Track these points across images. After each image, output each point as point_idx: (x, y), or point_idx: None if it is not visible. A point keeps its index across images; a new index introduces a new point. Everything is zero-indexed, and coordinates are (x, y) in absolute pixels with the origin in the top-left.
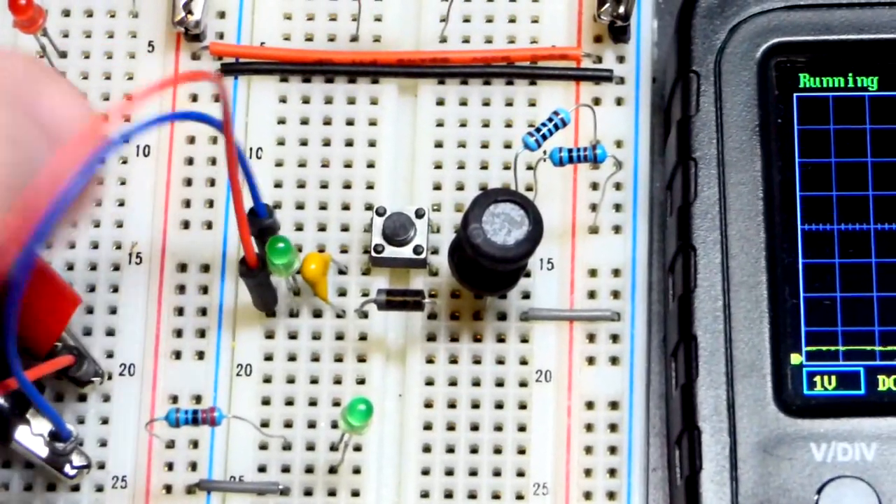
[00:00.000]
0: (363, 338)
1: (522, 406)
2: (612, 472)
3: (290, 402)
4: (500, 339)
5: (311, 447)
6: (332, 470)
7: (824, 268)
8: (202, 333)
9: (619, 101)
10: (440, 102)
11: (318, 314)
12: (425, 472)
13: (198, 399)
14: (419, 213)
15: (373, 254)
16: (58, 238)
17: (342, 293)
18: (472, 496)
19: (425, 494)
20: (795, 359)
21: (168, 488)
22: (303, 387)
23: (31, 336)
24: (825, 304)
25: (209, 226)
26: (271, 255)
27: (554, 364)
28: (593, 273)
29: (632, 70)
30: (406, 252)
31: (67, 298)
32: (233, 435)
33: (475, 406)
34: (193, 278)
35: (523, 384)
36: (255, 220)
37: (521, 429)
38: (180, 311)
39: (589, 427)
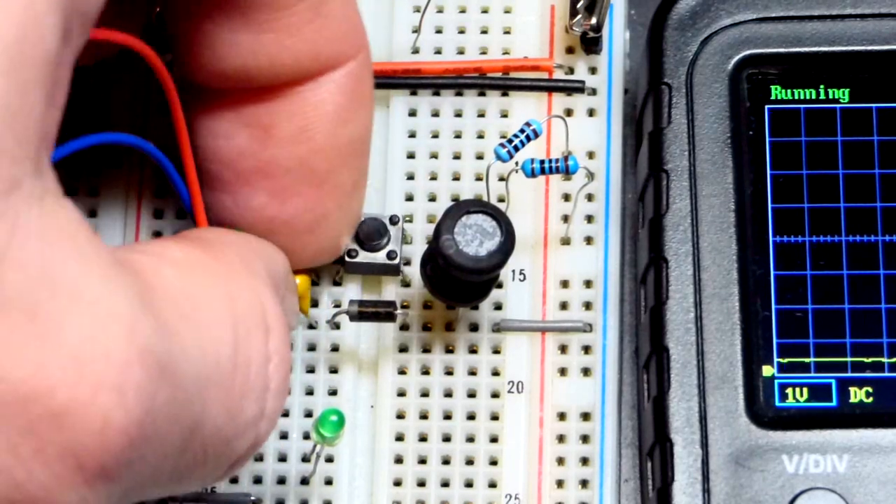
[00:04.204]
0: (335, 349)
1: (494, 417)
2: (584, 484)
3: None
4: (473, 350)
5: (282, 458)
6: (304, 481)
7: (796, 280)
8: None
9: (591, 113)
10: (412, 113)
11: None
12: (397, 483)
13: None
14: (393, 220)
15: (346, 258)
16: None
17: (314, 304)
18: None
19: None
20: (767, 371)
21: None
22: None
23: None
24: (797, 316)
25: None
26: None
27: (526, 375)
28: (565, 284)
29: (604, 81)
30: (380, 257)
31: None
32: None
33: (447, 417)
34: None
35: (495, 395)
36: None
37: (493, 440)
38: None
39: (561, 438)
